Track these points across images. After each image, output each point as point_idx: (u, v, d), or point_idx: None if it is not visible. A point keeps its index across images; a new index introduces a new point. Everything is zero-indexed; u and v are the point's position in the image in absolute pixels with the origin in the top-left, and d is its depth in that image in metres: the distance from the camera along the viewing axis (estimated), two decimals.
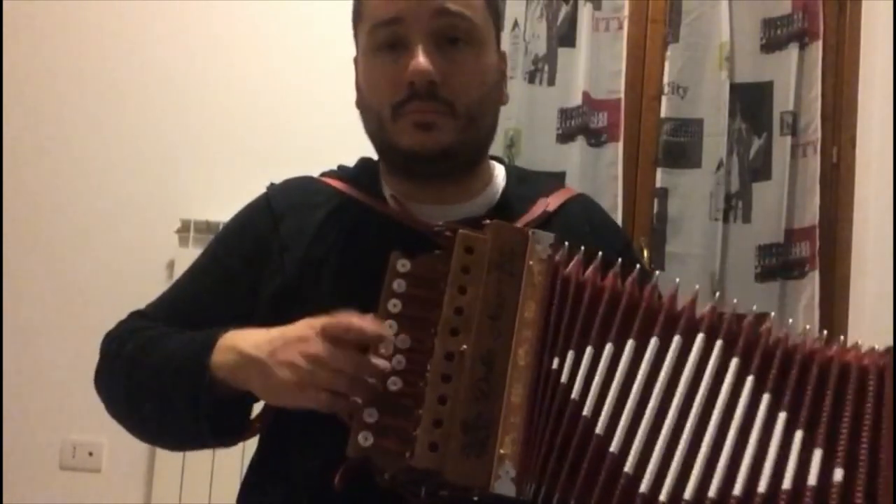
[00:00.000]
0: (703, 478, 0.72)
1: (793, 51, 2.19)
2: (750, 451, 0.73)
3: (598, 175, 2.19)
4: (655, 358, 0.76)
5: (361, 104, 0.99)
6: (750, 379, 0.75)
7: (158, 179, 2.29)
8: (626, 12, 2.25)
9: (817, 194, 2.16)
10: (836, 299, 2.16)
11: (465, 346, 0.76)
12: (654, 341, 0.77)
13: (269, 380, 0.80)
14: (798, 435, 0.73)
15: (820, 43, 2.19)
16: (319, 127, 2.15)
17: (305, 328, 0.80)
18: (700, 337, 0.77)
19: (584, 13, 2.22)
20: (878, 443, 0.72)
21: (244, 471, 0.98)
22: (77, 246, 2.27)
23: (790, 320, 0.73)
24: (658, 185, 2.20)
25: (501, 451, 0.73)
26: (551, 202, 1.00)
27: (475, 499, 0.73)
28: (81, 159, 2.30)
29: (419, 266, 0.80)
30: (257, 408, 0.93)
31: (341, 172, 1.05)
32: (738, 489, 0.72)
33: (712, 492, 0.71)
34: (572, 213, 1.01)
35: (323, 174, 1.05)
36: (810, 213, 2.16)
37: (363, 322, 0.78)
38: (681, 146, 2.21)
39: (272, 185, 1.05)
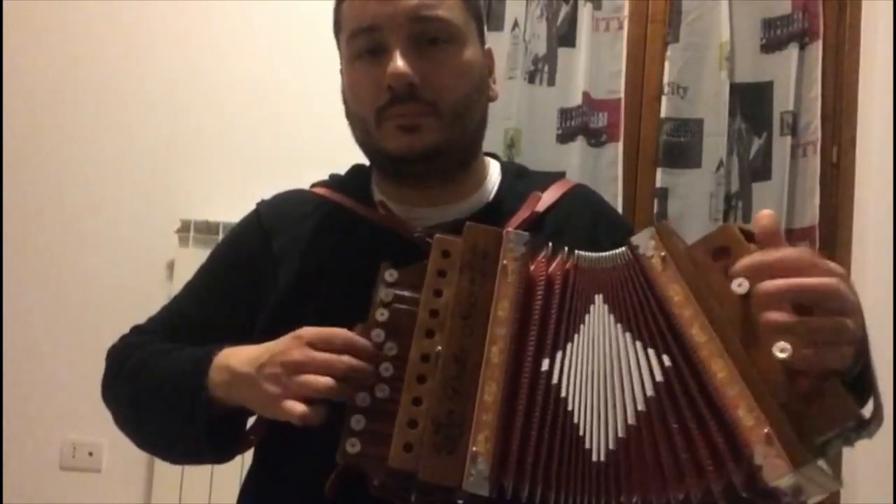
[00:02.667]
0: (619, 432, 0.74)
1: (793, 51, 2.18)
2: (628, 388, 0.75)
3: (598, 175, 2.19)
4: (591, 336, 0.79)
5: (348, 113, 0.99)
6: (612, 317, 0.79)
7: (158, 179, 2.29)
8: (626, 12, 2.25)
9: (817, 194, 2.15)
10: None
11: (440, 348, 0.77)
12: (587, 318, 0.79)
13: (258, 394, 0.82)
14: (638, 345, 0.76)
15: (820, 43, 2.19)
16: (318, 128, 2.13)
17: (289, 339, 0.81)
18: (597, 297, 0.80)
19: (584, 13, 2.22)
20: (671, 319, 0.75)
21: (244, 472, 0.99)
22: (77, 246, 2.27)
23: None
24: (658, 185, 2.20)
25: (474, 449, 0.73)
26: (546, 197, 0.99)
27: (460, 502, 0.73)
28: (81, 160, 2.30)
29: (406, 275, 0.82)
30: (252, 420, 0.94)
31: (331, 181, 1.06)
32: (632, 419, 0.74)
33: (622, 433, 0.74)
34: (571, 204, 1.01)
35: (313, 184, 1.06)
36: (810, 213, 2.15)
37: (350, 334, 0.79)
38: (681, 146, 2.21)
39: (262, 200, 1.06)
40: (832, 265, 0.70)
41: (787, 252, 0.69)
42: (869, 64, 2.18)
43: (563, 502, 0.73)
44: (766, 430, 0.67)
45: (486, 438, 0.73)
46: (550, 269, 0.81)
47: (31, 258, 2.27)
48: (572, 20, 2.23)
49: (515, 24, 2.23)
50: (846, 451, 2.06)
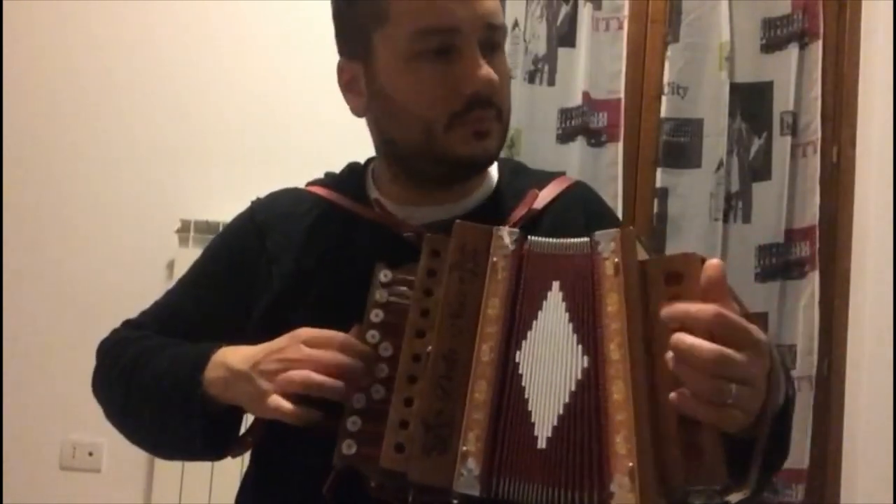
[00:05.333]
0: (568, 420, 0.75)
1: (793, 51, 2.19)
2: (563, 378, 0.76)
3: (598, 175, 2.18)
4: (546, 323, 0.79)
5: (387, 110, 0.94)
6: (564, 305, 0.79)
7: (158, 179, 2.29)
8: (626, 12, 2.25)
9: (817, 194, 2.15)
10: (836, 299, 2.16)
11: (430, 348, 0.77)
12: (544, 303, 0.80)
13: (252, 392, 0.82)
14: (574, 338, 0.77)
15: (820, 43, 2.19)
16: (318, 127, 2.15)
17: (286, 338, 0.82)
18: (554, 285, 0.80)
19: (584, 13, 2.22)
20: (598, 327, 0.76)
21: (243, 472, 0.98)
22: (77, 246, 2.27)
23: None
24: (658, 185, 2.20)
25: (464, 449, 0.73)
26: (544, 194, 0.99)
27: (454, 502, 0.73)
28: (81, 159, 2.30)
29: (401, 275, 0.82)
30: (248, 420, 0.93)
31: (327, 180, 1.05)
32: (562, 410, 0.75)
33: (556, 422, 0.74)
34: (569, 202, 1.01)
35: (309, 183, 1.05)
36: (810, 213, 2.16)
37: (348, 337, 0.79)
38: (681, 146, 2.21)
39: (257, 199, 1.05)
40: (757, 335, 0.70)
41: (719, 314, 0.69)
42: (869, 64, 2.18)
43: (517, 489, 0.73)
44: (630, 464, 0.69)
45: (477, 437, 0.73)
46: (541, 262, 0.81)
47: (31, 258, 2.27)
48: (572, 20, 2.23)
49: (515, 24, 2.23)
50: (846, 450, 2.07)
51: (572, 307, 0.78)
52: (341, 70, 0.98)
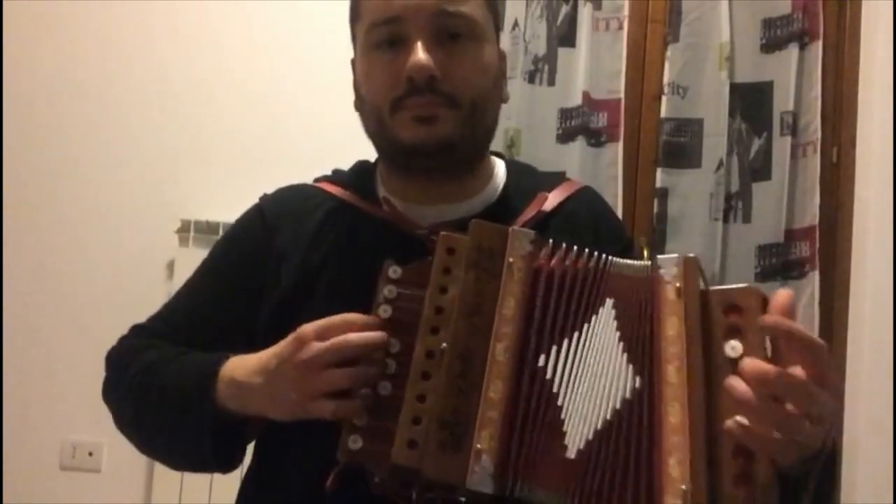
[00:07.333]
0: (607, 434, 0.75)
1: (793, 51, 2.19)
2: (606, 394, 0.76)
3: (598, 175, 2.19)
4: (591, 336, 0.79)
5: (360, 104, 0.98)
6: (616, 323, 0.79)
7: (158, 179, 2.29)
8: (626, 12, 2.25)
9: (817, 194, 2.16)
10: (836, 299, 2.16)
11: (444, 345, 0.77)
12: (593, 318, 0.79)
13: (277, 402, 0.82)
14: (625, 357, 0.77)
15: (820, 43, 2.19)
16: (319, 127, 2.15)
17: (291, 341, 0.81)
18: (608, 302, 0.80)
19: (584, 13, 2.22)
20: (656, 349, 0.76)
21: (244, 471, 0.98)
22: (77, 246, 2.27)
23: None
24: (658, 185, 2.20)
25: (478, 447, 0.73)
26: (551, 199, 0.99)
27: (462, 499, 0.74)
28: (81, 160, 2.30)
29: (410, 272, 0.82)
30: None
31: (336, 177, 1.05)
32: (601, 425, 0.75)
33: (590, 435, 0.75)
34: (574, 210, 1.00)
35: (317, 179, 1.05)
36: (810, 213, 2.16)
37: (348, 315, 0.80)
38: (681, 146, 2.21)
39: (265, 195, 1.05)
40: (839, 378, 0.70)
41: (819, 343, 0.68)
42: (869, 64, 2.18)
43: (535, 494, 0.73)
44: (684, 487, 0.70)
45: (491, 436, 0.74)
46: (559, 264, 0.81)
47: (31, 258, 2.27)
48: (572, 20, 2.24)
49: (515, 24, 2.23)
50: (846, 450, 2.07)
51: (625, 326, 0.78)
52: (352, 67, 1.01)
